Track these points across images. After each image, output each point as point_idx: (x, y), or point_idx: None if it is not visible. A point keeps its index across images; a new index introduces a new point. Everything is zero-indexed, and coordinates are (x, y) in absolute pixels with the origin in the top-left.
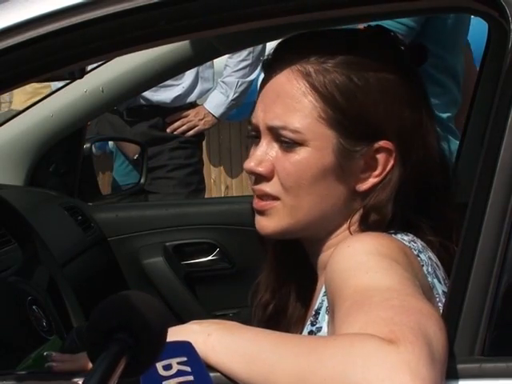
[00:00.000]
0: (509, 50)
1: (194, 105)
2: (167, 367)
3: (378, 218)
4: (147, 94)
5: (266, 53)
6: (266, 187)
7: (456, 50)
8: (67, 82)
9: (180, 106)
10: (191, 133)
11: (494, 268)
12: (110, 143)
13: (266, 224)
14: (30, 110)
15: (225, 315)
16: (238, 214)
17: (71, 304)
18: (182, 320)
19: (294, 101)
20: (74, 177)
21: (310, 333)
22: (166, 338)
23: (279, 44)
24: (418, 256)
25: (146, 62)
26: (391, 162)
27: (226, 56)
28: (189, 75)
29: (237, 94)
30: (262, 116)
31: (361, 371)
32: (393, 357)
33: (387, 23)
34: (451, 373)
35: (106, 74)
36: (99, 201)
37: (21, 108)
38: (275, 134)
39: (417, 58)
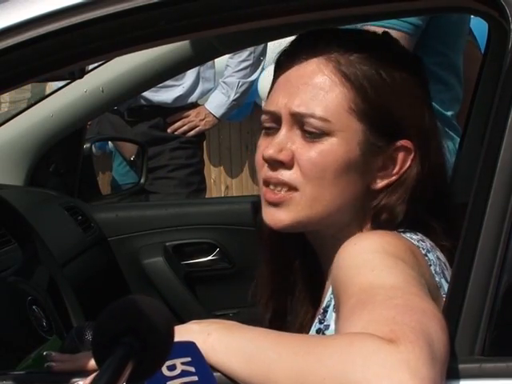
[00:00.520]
0: (509, 49)
1: (195, 105)
2: (171, 367)
3: (389, 218)
4: (148, 94)
5: (278, 50)
6: (285, 176)
7: (458, 48)
8: (67, 81)
9: (181, 107)
10: (192, 133)
11: (494, 268)
12: (110, 143)
13: (282, 217)
14: (30, 109)
15: (225, 315)
16: (238, 213)
17: (71, 304)
18: (182, 320)
19: (322, 90)
20: (74, 177)
21: (318, 331)
22: (172, 343)
23: (302, 36)
24: (426, 255)
25: (146, 62)
26: (408, 163)
27: (227, 56)
28: (190, 75)
29: (238, 95)
30: (286, 102)
31: (360, 370)
32: (392, 356)
33: (394, 22)
34: (451, 373)
35: (105, 74)
36: (99, 201)
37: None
38: (299, 121)
39: (421, 71)
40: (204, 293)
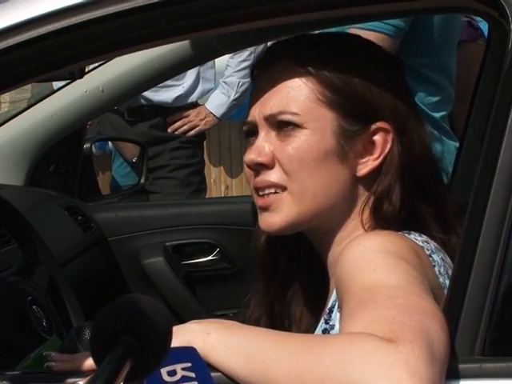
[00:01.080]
0: (509, 49)
1: (195, 105)
2: (172, 373)
3: (390, 208)
4: (148, 94)
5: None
6: (269, 177)
7: (448, 48)
8: (67, 81)
9: (181, 106)
10: (192, 133)
11: (494, 268)
12: (110, 143)
13: (274, 219)
14: (30, 109)
15: (225, 315)
16: (238, 213)
17: (71, 304)
18: (182, 320)
19: (290, 89)
20: (74, 177)
21: (324, 331)
22: (170, 342)
23: (270, 47)
24: (431, 256)
25: (146, 62)
26: (389, 144)
27: (227, 56)
28: (190, 75)
29: (238, 94)
30: (258, 110)
31: (359, 369)
32: (391, 356)
33: (375, 24)
34: (451, 373)
35: (105, 74)
36: (99, 201)
37: None
38: (273, 122)
39: (395, 66)
40: (204, 293)
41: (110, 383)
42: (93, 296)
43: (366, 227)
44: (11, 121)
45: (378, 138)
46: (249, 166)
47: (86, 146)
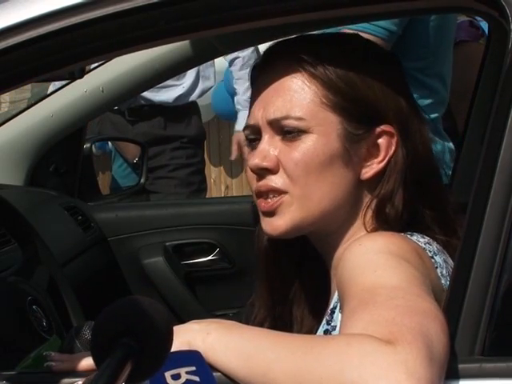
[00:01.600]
0: (509, 49)
1: (194, 103)
2: (176, 376)
3: (392, 210)
4: (149, 94)
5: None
6: (272, 182)
7: (441, 51)
8: (67, 81)
9: (182, 105)
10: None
11: (494, 268)
12: (110, 143)
13: (278, 223)
14: (30, 109)
15: (225, 315)
16: (238, 214)
17: (71, 304)
18: (182, 320)
19: (294, 92)
20: (74, 177)
21: (326, 331)
22: (171, 344)
23: (271, 48)
24: (433, 258)
25: (146, 62)
26: (393, 147)
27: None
28: (190, 74)
29: None
30: (261, 113)
31: (357, 370)
32: (389, 356)
33: (367, 27)
34: (451, 373)
35: (105, 74)
36: (99, 201)
37: None
38: (277, 126)
39: (395, 65)
40: (204, 293)
41: None
42: (93, 296)
43: (368, 229)
44: (11, 121)
45: (382, 141)
46: (253, 171)
47: (86, 145)
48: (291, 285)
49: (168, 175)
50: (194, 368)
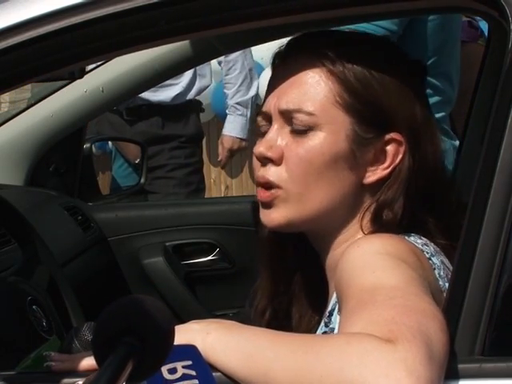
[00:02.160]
0: (509, 49)
1: (192, 102)
2: (172, 371)
3: (390, 215)
4: (146, 94)
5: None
6: (270, 175)
7: (446, 50)
8: (67, 81)
9: (179, 104)
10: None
11: (494, 268)
12: (110, 143)
13: (273, 215)
14: (30, 109)
15: (225, 315)
16: (238, 213)
17: (71, 304)
18: (182, 320)
19: (309, 86)
20: (74, 177)
21: (324, 334)
22: (172, 343)
23: (292, 39)
24: (430, 259)
25: (146, 62)
26: (400, 156)
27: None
28: (187, 73)
29: (253, 107)
30: (275, 101)
31: (357, 368)
32: (389, 355)
33: (366, 27)
34: (451, 373)
35: (105, 74)
36: (99, 201)
37: None
38: (288, 118)
39: (417, 73)
40: (204, 293)
41: (112, 383)
42: (93, 296)
43: (365, 232)
44: (11, 121)
45: (390, 148)
46: (257, 158)
47: (86, 145)
48: (292, 279)
49: (166, 175)
50: (190, 362)
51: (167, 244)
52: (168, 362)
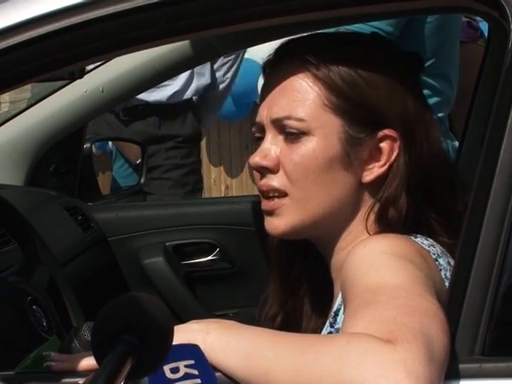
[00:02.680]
0: (509, 49)
1: (189, 101)
2: (175, 370)
3: (395, 213)
4: (143, 95)
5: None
6: (272, 181)
7: (444, 51)
8: (67, 81)
9: (176, 103)
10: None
11: (494, 268)
12: (110, 143)
13: (277, 223)
14: (30, 109)
15: (225, 315)
16: (238, 213)
17: (71, 304)
18: (181, 320)
19: (297, 93)
20: (74, 177)
21: (329, 334)
22: (171, 340)
23: (280, 47)
24: (437, 260)
25: (146, 62)
26: (395, 151)
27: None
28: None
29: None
30: (266, 112)
31: (356, 368)
32: (389, 355)
33: (363, 28)
34: (451, 373)
35: (105, 74)
36: (99, 201)
37: None
38: (279, 126)
39: (413, 66)
40: (204, 293)
41: (112, 381)
42: (93, 296)
43: (370, 233)
44: (11, 121)
45: (384, 145)
46: (254, 168)
47: (86, 145)
48: (300, 283)
49: (162, 176)
50: (192, 361)
51: (167, 244)
52: (170, 361)
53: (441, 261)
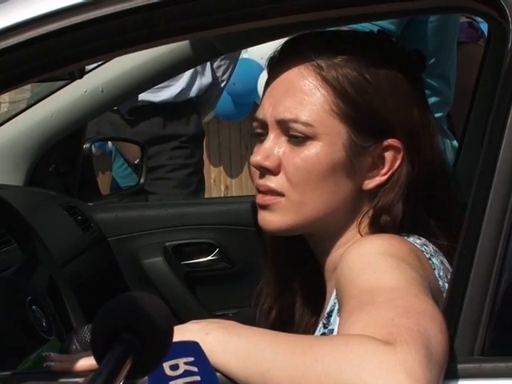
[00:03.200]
0: (508, 49)
1: (193, 100)
2: (174, 367)
3: (389, 220)
4: (148, 96)
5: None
6: (272, 182)
7: (443, 51)
8: (67, 81)
9: (180, 102)
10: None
11: (494, 268)
12: (110, 143)
13: (271, 219)
14: (30, 109)
15: (225, 315)
16: (238, 213)
17: (71, 304)
18: (181, 320)
19: (305, 94)
20: (74, 177)
21: (323, 335)
22: (171, 339)
23: (287, 42)
24: (430, 259)
25: (146, 62)
26: (398, 161)
27: None
28: (188, 71)
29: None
30: (271, 110)
31: (356, 370)
32: (388, 357)
33: (364, 26)
34: (451, 373)
35: (105, 74)
36: (99, 201)
37: None
38: (284, 127)
39: (415, 65)
40: (204, 293)
41: (111, 381)
42: (93, 296)
43: (362, 235)
44: (11, 121)
45: (388, 154)
46: (255, 167)
47: (86, 146)
48: (295, 279)
49: (166, 176)
50: (192, 359)
51: (167, 244)
52: (170, 358)
53: (434, 260)
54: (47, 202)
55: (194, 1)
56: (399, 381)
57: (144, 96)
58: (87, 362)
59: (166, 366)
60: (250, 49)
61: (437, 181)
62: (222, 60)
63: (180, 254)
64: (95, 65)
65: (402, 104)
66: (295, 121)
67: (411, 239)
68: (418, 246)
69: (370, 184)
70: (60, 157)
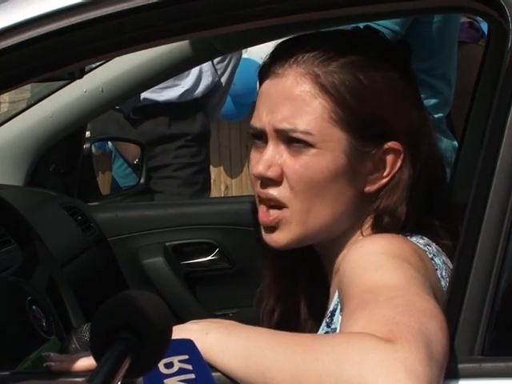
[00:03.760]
0: (508, 49)
1: (198, 100)
2: (169, 365)
3: (392, 221)
4: (153, 96)
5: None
6: (274, 192)
7: (445, 52)
8: (67, 81)
9: (186, 102)
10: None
11: (494, 268)
12: (110, 143)
13: (279, 237)
14: (30, 109)
15: (225, 315)
16: (238, 214)
17: (71, 304)
18: (181, 320)
19: (303, 103)
20: (74, 177)
21: (326, 334)
22: (170, 338)
23: (279, 46)
24: (433, 259)
25: (146, 62)
26: (399, 163)
27: None
28: (193, 71)
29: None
30: (269, 119)
31: (356, 368)
32: (389, 355)
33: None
34: (451, 372)
35: (105, 74)
36: (99, 201)
37: None
38: (284, 136)
39: (402, 54)
40: (204, 293)
41: (110, 379)
42: (93, 296)
43: (364, 236)
44: (11, 121)
45: (388, 157)
46: (257, 178)
47: (86, 146)
48: (296, 279)
49: (171, 175)
50: (186, 356)
51: (167, 244)
52: (165, 356)
53: (436, 260)
54: (47, 202)
55: (193, 1)
56: (399, 378)
57: (148, 95)
58: (87, 362)
59: (160, 363)
60: (249, 49)
61: (437, 179)
62: (224, 61)
63: (180, 254)
64: (95, 65)
65: (399, 105)
66: (294, 130)
67: (414, 239)
68: (421, 245)
69: (371, 187)
70: (60, 157)
